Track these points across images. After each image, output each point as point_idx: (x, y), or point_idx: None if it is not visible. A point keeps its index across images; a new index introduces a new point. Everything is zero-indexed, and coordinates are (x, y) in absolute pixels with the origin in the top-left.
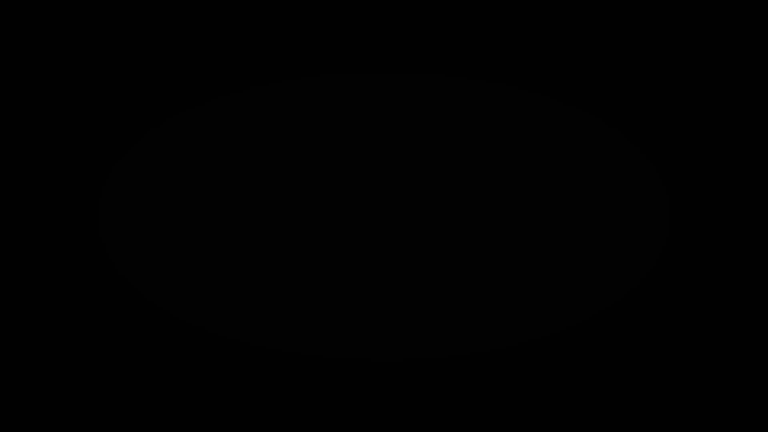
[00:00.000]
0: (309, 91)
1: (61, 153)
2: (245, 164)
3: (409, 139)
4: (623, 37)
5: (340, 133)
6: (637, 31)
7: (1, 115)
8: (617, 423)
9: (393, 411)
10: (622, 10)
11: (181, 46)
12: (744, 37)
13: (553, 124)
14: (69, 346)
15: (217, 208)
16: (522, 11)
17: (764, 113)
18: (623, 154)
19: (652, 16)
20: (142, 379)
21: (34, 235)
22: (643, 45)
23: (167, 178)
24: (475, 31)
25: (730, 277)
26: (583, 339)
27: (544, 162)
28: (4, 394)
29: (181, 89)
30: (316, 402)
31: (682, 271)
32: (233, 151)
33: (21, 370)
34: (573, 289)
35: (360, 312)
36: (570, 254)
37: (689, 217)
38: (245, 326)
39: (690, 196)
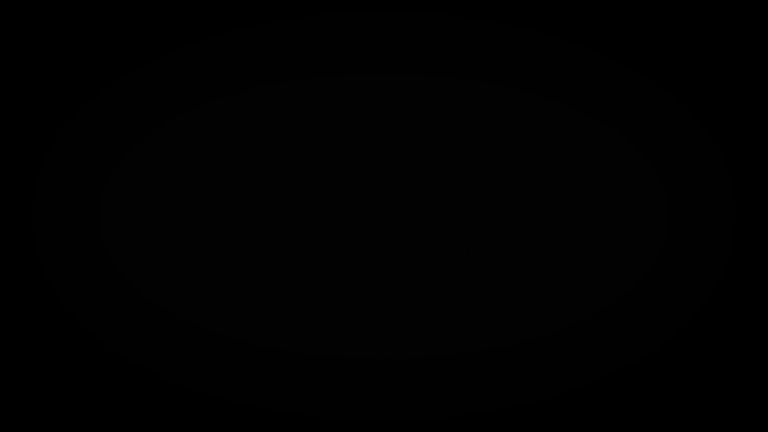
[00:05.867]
0: (309, 91)
1: (61, 153)
2: (245, 164)
3: (409, 139)
4: (623, 37)
5: (340, 133)
6: (637, 31)
7: (1, 115)
8: (617, 423)
9: (393, 411)
10: (622, 10)
11: (181, 46)
12: (744, 37)
13: (553, 124)
14: (69, 346)
15: (218, 208)
16: (522, 11)
17: (764, 113)
18: (623, 154)
19: (652, 16)
20: (142, 379)
21: (34, 235)
22: (643, 45)
23: (167, 178)
24: (475, 31)
25: (730, 277)
26: (583, 339)
27: (543, 162)
28: (4, 394)
29: (181, 89)
30: (316, 402)
31: (682, 271)
32: (233, 151)
33: (21, 370)
34: (573, 289)
35: (360, 312)
36: (570, 254)
37: (689, 217)
38: (245, 326)
39: (690, 196)
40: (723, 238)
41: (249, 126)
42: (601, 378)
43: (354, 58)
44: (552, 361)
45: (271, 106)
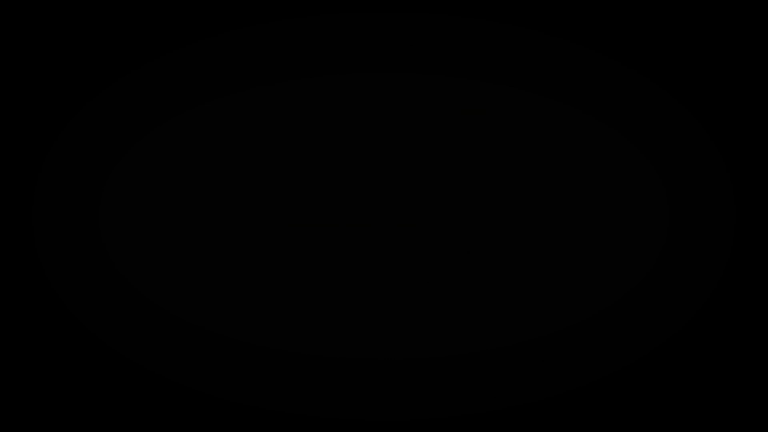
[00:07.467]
0: (309, 91)
1: (61, 153)
2: (245, 164)
3: (409, 139)
4: (623, 37)
5: (340, 133)
6: (637, 31)
7: (1, 115)
8: (617, 423)
9: (393, 411)
10: (622, 10)
11: (181, 46)
12: (744, 37)
13: (553, 124)
14: (69, 346)
15: (218, 208)
16: (522, 11)
17: (764, 113)
18: (623, 154)
19: (652, 16)
20: (142, 379)
21: (34, 235)
22: (643, 45)
23: (167, 178)
24: (475, 31)
25: (730, 277)
26: (583, 339)
27: (543, 162)
28: (5, 394)
29: (181, 89)
30: (316, 402)
31: (682, 271)
32: (233, 151)
33: (21, 370)
34: (573, 289)
35: (360, 312)
36: (570, 254)
37: (689, 217)
38: (245, 326)
39: (690, 196)
40: (723, 238)
41: (249, 126)
42: (601, 378)
43: (354, 58)
44: (552, 361)
45: (271, 106)
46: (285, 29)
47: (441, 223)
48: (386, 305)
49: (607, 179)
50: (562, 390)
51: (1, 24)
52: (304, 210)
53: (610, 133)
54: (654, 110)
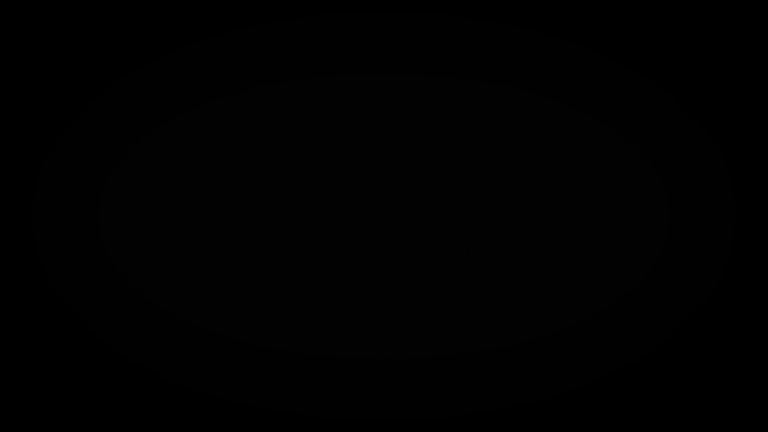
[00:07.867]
0: (309, 91)
1: (61, 153)
2: (245, 164)
3: (409, 140)
4: (623, 37)
5: (340, 133)
6: (637, 31)
7: (1, 115)
8: (617, 423)
9: (393, 411)
10: (622, 10)
11: (181, 46)
12: (744, 37)
13: (553, 124)
14: (69, 346)
15: (218, 208)
16: (522, 11)
17: (764, 113)
18: (623, 154)
19: (652, 16)
20: (142, 379)
21: (34, 235)
22: (643, 45)
23: (167, 178)
24: (475, 31)
25: (730, 277)
26: (583, 339)
27: (543, 162)
28: (5, 394)
29: (181, 89)
30: (316, 402)
31: (682, 271)
32: (233, 151)
33: (21, 370)
34: (573, 289)
35: (360, 312)
36: (570, 254)
37: (689, 217)
38: (245, 326)
39: (690, 196)
40: (723, 238)
41: (249, 126)
42: (601, 378)
43: (354, 58)
44: (552, 361)
45: (271, 106)
46: (285, 29)
47: (441, 223)
48: (386, 305)
49: (607, 179)
50: (562, 390)
51: (1, 24)
52: (304, 210)
53: (610, 133)
54: (654, 110)
